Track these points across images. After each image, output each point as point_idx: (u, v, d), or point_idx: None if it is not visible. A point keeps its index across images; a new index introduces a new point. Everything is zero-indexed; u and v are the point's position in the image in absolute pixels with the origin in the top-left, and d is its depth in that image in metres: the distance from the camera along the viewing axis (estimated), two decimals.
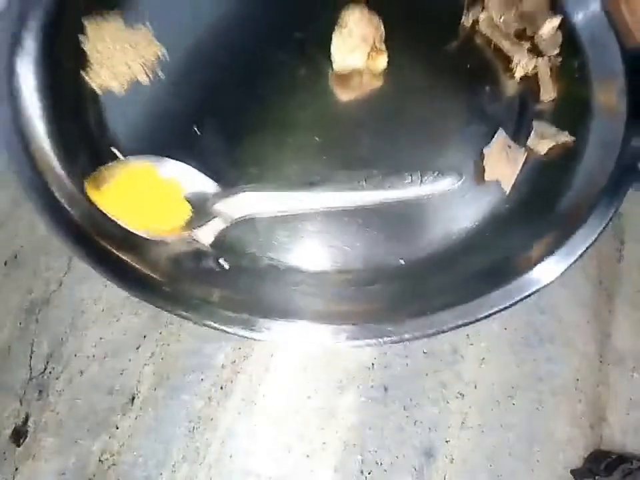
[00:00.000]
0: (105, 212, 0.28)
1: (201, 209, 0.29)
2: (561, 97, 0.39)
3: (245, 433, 0.41)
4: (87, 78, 0.34)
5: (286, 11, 0.35)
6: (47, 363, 0.44)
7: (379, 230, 0.33)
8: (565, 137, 0.37)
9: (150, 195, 0.28)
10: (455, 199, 0.35)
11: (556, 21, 0.38)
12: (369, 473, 0.40)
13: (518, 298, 0.31)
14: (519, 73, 0.39)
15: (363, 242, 0.33)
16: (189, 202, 0.29)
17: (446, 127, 0.37)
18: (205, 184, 0.30)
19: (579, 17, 0.39)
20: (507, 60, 0.39)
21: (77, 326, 0.45)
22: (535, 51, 0.39)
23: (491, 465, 0.40)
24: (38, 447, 0.42)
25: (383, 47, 0.33)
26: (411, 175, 0.30)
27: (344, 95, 0.34)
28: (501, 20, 0.39)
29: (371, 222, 0.33)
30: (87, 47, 0.34)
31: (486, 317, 0.31)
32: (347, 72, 0.33)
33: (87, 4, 0.34)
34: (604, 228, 0.33)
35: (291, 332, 0.29)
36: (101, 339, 0.45)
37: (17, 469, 0.41)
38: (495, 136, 0.37)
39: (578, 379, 0.42)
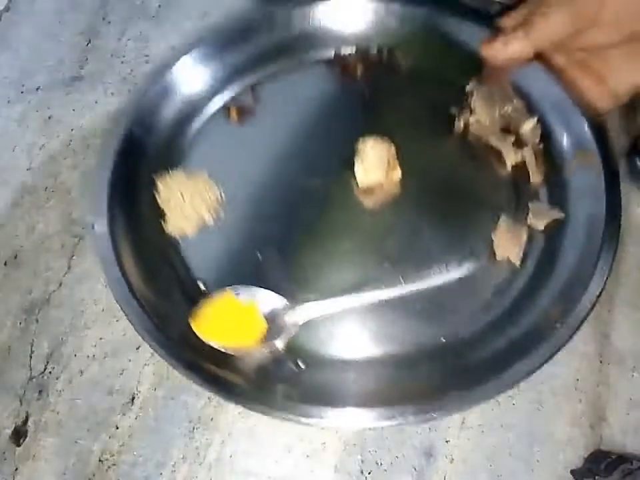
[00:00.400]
0: (201, 337, 0.34)
1: (274, 323, 0.35)
2: (548, 179, 0.44)
3: (245, 433, 0.41)
4: (165, 227, 0.40)
5: (317, 146, 0.42)
6: (47, 363, 0.44)
7: (418, 315, 0.39)
8: (557, 214, 0.43)
9: (233, 319, 0.35)
10: (475, 279, 0.41)
11: (532, 121, 0.44)
12: (369, 473, 0.40)
13: (543, 361, 0.36)
14: (509, 163, 0.45)
15: (405, 327, 0.39)
16: (265, 318, 0.35)
17: (458, 218, 0.43)
18: (275, 301, 0.36)
19: (547, 106, 0.44)
20: (498, 153, 0.45)
21: (76, 326, 0.45)
22: (520, 143, 0.44)
23: (491, 465, 0.40)
24: (38, 447, 0.42)
25: (396, 162, 0.40)
26: (438, 266, 0.37)
27: (370, 205, 0.42)
28: (487, 121, 0.44)
29: (411, 309, 0.39)
30: (161, 200, 0.40)
31: (519, 381, 0.36)
32: (370, 187, 0.40)
33: (153, 166, 0.42)
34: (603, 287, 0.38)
35: (347, 417, 0.35)
36: (100, 339, 0.45)
37: (16, 469, 0.41)
38: (499, 221, 0.43)
39: (578, 379, 0.42)
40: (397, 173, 0.41)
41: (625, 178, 0.44)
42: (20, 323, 0.46)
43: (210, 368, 0.35)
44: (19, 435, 0.42)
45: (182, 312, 0.37)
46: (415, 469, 0.40)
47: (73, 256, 0.48)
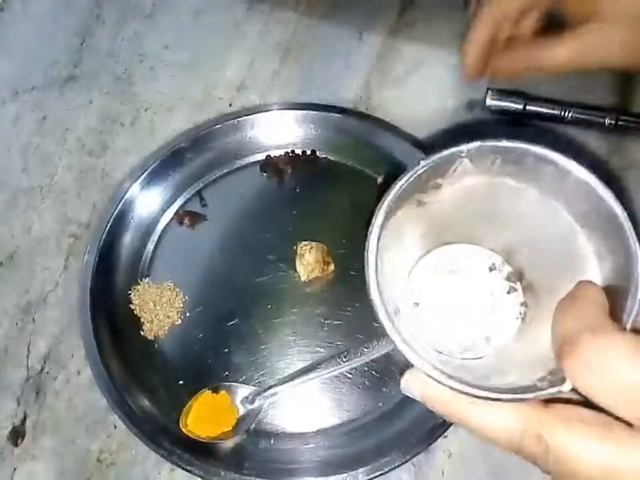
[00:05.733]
0: (186, 433, 0.39)
1: (244, 409, 0.41)
2: None
3: None
4: (144, 334, 0.45)
5: (262, 244, 0.48)
6: (44, 362, 0.44)
7: (362, 386, 0.43)
8: None
9: (211, 411, 0.40)
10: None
11: None
12: None
13: None
14: None
15: (350, 396, 0.43)
16: (236, 407, 0.41)
17: None
18: (243, 390, 0.42)
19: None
20: None
21: (73, 325, 0.45)
22: None
23: (488, 460, 0.40)
24: (36, 447, 0.42)
25: (329, 258, 0.46)
26: (372, 342, 0.38)
27: (312, 294, 0.46)
28: None
29: (356, 381, 0.43)
30: (137, 311, 0.45)
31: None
32: (310, 280, 0.46)
33: (126, 279, 0.47)
34: None
35: None
36: None
37: (15, 469, 0.41)
38: None
39: None
40: (331, 267, 0.46)
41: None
42: (16, 323, 0.46)
43: (189, 454, 0.40)
44: (17, 435, 0.42)
45: (167, 410, 0.42)
46: (414, 465, 0.40)
47: (69, 256, 0.48)
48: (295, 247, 0.46)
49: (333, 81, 0.54)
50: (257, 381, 0.43)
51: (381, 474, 0.39)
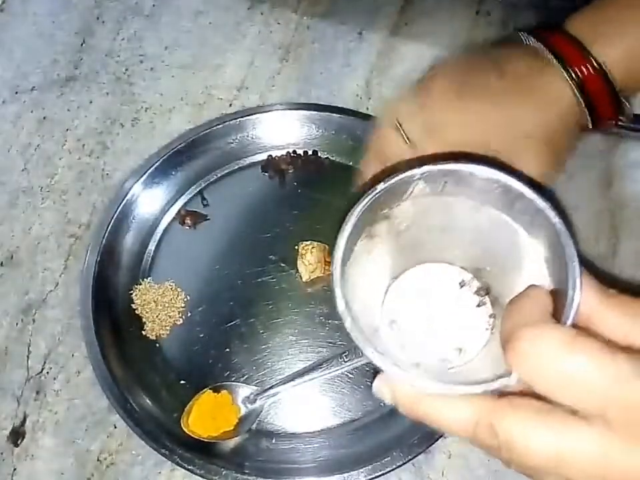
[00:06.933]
0: (187, 432, 0.39)
1: (245, 408, 0.41)
2: None
3: None
4: (145, 334, 0.45)
5: (263, 244, 0.48)
6: (44, 363, 0.44)
7: (364, 386, 0.43)
8: None
9: (212, 411, 0.40)
10: None
11: None
12: None
13: None
14: None
15: (351, 396, 0.43)
16: (238, 407, 0.41)
17: None
18: (244, 390, 0.42)
19: None
20: None
21: (73, 326, 0.45)
22: None
23: (488, 460, 0.40)
24: (36, 447, 0.42)
25: (330, 258, 0.44)
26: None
27: (314, 293, 0.46)
28: None
29: (357, 381, 0.43)
30: (139, 311, 0.45)
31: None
32: (312, 280, 0.46)
33: (128, 278, 0.47)
34: None
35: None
36: None
37: (15, 469, 0.41)
38: None
39: None
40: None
41: None
42: (17, 324, 0.46)
43: (191, 454, 0.40)
44: (17, 435, 0.42)
45: (169, 409, 0.42)
46: (414, 465, 0.40)
47: (69, 256, 0.48)
48: (296, 247, 0.46)
49: (333, 81, 0.54)
50: (258, 381, 0.43)
51: (381, 474, 0.39)
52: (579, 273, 0.23)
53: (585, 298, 0.23)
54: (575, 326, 0.23)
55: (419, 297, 0.31)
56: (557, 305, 0.24)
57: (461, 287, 0.30)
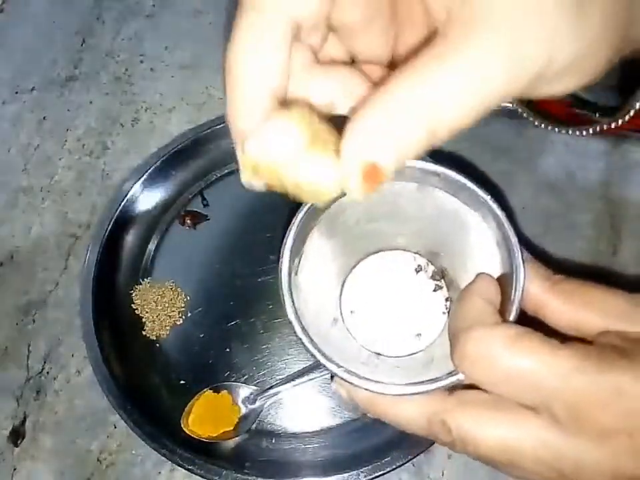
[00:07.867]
0: (187, 432, 0.40)
1: (245, 408, 0.41)
2: None
3: None
4: (145, 334, 0.45)
5: (263, 243, 0.47)
6: (44, 363, 0.44)
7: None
8: None
9: (212, 411, 0.41)
10: None
11: None
12: None
13: None
14: None
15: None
16: (238, 407, 0.41)
17: None
18: (244, 390, 0.42)
19: None
20: None
21: (73, 326, 0.45)
22: None
23: None
24: (36, 447, 0.42)
25: None
26: None
27: None
28: None
29: None
30: (139, 311, 0.45)
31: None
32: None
33: (128, 279, 0.47)
34: None
35: None
36: None
37: (15, 469, 0.41)
38: None
39: None
40: None
41: None
42: (17, 324, 0.46)
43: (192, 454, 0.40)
44: (17, 435, 0.42)
45: (169, 409, 0.42)
46: (414, 465, 0.40)
47: (69, 256, 0.48)
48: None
49: None
50: (258, 381, 0.43)
51: (382, 474, 0.39)
52: (521, 263, 0.24)
53: (532, 286, 0.24)
54: (521, 317, 0.23)
55: (375, 285, 0.31)
56: (507, 289, 0.24)
57: (417, 272, 0.30)
